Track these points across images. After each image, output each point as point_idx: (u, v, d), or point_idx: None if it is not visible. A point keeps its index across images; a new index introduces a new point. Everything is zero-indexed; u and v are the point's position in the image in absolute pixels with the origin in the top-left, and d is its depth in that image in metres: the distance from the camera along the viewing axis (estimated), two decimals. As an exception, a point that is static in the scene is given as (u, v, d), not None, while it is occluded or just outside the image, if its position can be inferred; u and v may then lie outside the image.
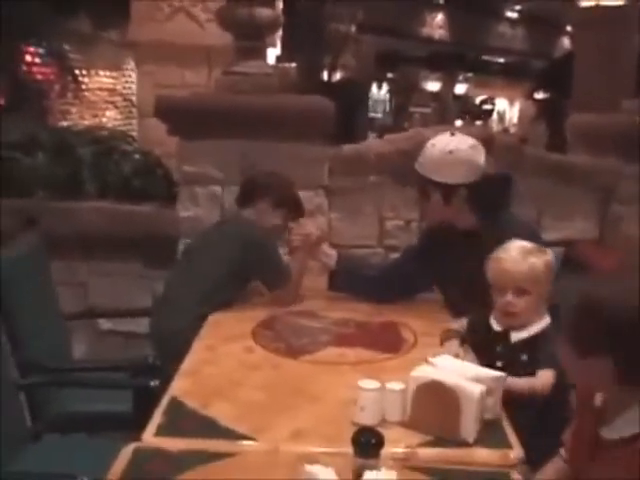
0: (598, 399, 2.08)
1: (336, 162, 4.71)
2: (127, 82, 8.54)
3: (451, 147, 3.31)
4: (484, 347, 2.81)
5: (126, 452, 2.24)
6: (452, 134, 3.38)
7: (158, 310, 3.86)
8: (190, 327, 3.39)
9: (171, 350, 3.34)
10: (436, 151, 3.34)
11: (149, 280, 4.65)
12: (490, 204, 3.37)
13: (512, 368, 2.60)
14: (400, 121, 19.68)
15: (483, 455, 2.29)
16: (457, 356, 2.75)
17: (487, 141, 3.75)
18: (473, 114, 24.01)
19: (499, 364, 2.68)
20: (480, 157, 3.34)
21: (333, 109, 4.58)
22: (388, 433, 2.16)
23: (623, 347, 1.88)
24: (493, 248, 2.92)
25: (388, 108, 23.92)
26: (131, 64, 8.49)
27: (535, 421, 2.50)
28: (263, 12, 4.51)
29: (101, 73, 8.19)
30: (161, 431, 2.38)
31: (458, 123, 20.07)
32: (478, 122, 22.54)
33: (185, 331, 3.37)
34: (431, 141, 3.40)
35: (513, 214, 3.53)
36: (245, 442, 2.33)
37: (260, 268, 3.69)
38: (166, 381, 2.83)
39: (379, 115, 21.90)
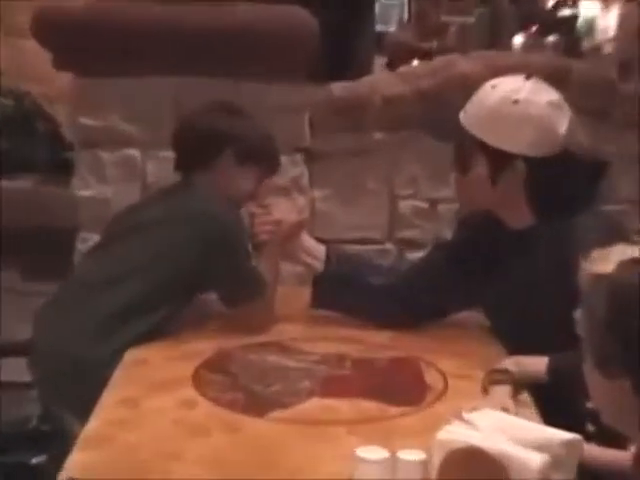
0: None
1: (322, 111, 3.77)
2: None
3: (520, 96, 2.69)
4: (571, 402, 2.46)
5: None
6: (527, 77, 2.75)
7: (45, 325, 2.94)
8: (97, 362, 2.67)
9: (62, 392, 2.71)
10: (495, 96, 2.72)
11: (27, 297, 3.67)
12: (564, 201, 2.69)
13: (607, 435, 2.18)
14: (425, 38, 18.06)
15: None
16: (506, 410, 2.36)
17: (560, 75, 3.31)
18: (544, 25, 22.18)
19: (590, 428, 2.33)
20: (561, 122, 2.70)
21: (316, 26, 3.61)
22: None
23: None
24: (559, 265, 2.43)
25: (406, 16, 22.20)
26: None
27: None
28: None
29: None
30: None
31: (518, 40, 18.35)
32: (551, 38, 20.60)
33: (90, 366, 2.68)
34: (492, 81, 2.79)
35: (600, 214, 2.81)
36: None
37: (223, 273, 2.89)
38: (57, 453, 2.27)
39: (392, 28, 20.20)
